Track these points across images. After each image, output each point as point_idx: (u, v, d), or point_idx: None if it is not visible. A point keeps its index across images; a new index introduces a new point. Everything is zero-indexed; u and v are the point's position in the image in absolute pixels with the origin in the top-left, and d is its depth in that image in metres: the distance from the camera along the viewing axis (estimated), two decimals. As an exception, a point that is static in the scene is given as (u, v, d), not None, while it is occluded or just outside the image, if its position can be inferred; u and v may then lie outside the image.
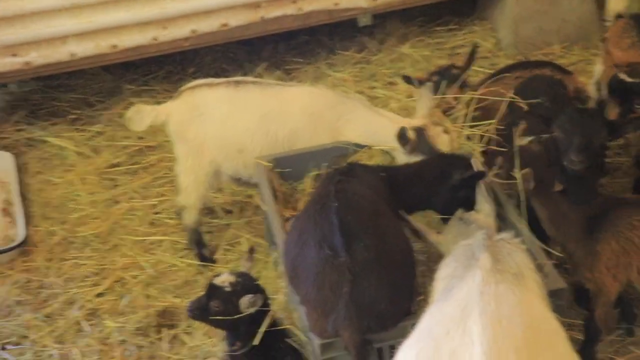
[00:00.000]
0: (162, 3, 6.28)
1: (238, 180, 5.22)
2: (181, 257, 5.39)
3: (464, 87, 5.48)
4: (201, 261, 5.31)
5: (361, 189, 4.04)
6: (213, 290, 4.28)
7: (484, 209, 4.23)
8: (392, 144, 4.83)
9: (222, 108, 5.03)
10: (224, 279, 4.29)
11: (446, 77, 5.49)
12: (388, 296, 3.74)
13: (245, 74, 6.89)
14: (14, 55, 6.19)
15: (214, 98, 5.06)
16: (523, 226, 4.30)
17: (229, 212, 5.69)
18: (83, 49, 6.29)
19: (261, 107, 5.02)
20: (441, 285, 3.36)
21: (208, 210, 5.70)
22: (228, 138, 5.03)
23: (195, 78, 6.77)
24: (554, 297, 3.83)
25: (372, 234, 3.81)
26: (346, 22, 6.89)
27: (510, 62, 6.40)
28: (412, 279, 3.92)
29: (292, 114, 5.00)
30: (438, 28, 7.21)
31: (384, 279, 3.74)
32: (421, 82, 5.42)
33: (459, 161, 4.44)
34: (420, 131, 4.77)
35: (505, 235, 3.42)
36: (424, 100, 5.06)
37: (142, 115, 5.13)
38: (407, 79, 5.44)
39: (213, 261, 5.32)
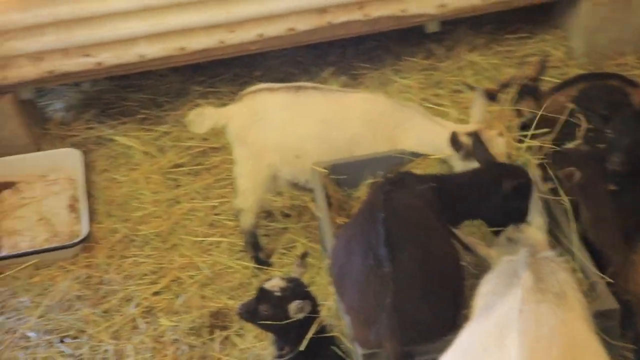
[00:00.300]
0: (229, 7, 6.34)
1: (295, 185, 5.25)
2: (237, 259, 5.44)
3: (538, 97, 5.41)
4: (257, 264, 5.36)
5: (410, 200, 4.02)
6: (263, 294, 4.33)
7: (536, 222, 4.16)
8: (448, 152, 4.80)
9: (282, 113, 5.07)
10: (274, 284, 4.34)
11: (516, 88, 5.43)
12: (432, 308, 3.72)
13: (311, 79, 6.93)
14: (87, 55, 6.34)
15: (274, 103, 5.10)
16: (575, 242, 4.22)
17: (287, 216, 5.72)
18: (152, 50, 6.41)
19: (321, 113, 5.04)
20: (482, 301, 3.33)
21: (266, 214, 5.75)
22: (287, 143, 5.07)
23: (261, 81, 6.82)
24: (605, 318, 3.77)
25: (417, 245, 3.80)
26: (414, 28, 6.86)
27: (580, 72, 6.28)
28: (458, 293, 3.89)
29: (351, 121, 5.01)
30: (508, 36, 7.10)
31: (428, 291, 3.72)
32: (490, 95, 5.34)
33: (512, 170, 4.38)
34: (474, 135, 4.72)
35: (549, 253, 3.38)
36: (477, 106, 5.01)
37: (203, 117, 5.20)
38: (471, 88, 5.38)
39: (269, 264, 5.36)
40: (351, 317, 3.89)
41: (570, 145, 4.55)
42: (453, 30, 7.12)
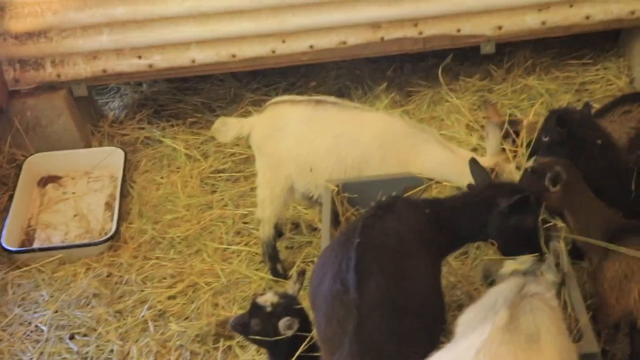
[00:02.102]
0: (283, 17, 6.35)
1: (310, 199, 5.22)
2: (256, 270, 5.43)
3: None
4: (273, 276, 5.34)
5: (394, 227, 3.90)
6: (255, 308, 4.31)
7: (549, 278, 3.93)
8: (459, 182, 4.67)
9: (300, 126, 5.07)
10: (267, 299, 4.31)
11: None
12: (397, 341, 3.59)
13: (365, 93, 6.89)
14: (139, 57, 6.46)
15: (294, 115, 5.11)
16: (568, 269, 4.03)
17: (314, 229, 5.67)
18: (204, 55, 6.47)
19: (335, 128, 5.02)
20: (457, 330, 3.23)
21: (294, 226, 5.73)
22: (302, 156, 5.07)
23: (317, 93, 6.89)
24: (587, 361, 3.61)
25: (387, 275, 3.68)
26: (475, 48, 6.71)
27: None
28: (431, 327, 3.75)
29: (363, 139, 4.97)
30: (571, 61, 6.88)
31: (394, 323, 3.60)
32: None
33: (506, 188, 4.23)
34: (471, 160, 4.57)
35: (538, 289, 3.21)
36: (492, 138, 4.87)
37: (228, 127, 5.25)
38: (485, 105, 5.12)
39: (285, 277, 5.32)
40: (320, 341, 3.81)
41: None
42: (514, 52, 6.93)
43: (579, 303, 3.90)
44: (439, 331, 3.79)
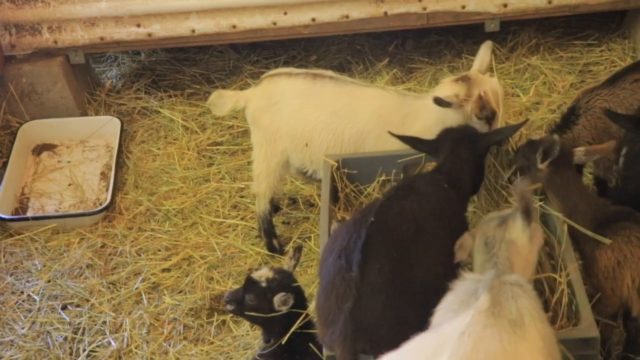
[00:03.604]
0: (284, -12, 6.26)
1: (304, 174, 5.15)
2: (252, 245, 5.37)
3: None
4: (269, 251, 5.28)
5: (412, 210, 3.84)
6: (249, 283, 4.27)
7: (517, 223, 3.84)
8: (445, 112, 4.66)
9: (296, 99, 4.99)
10: (262, 274, 4.27)
11: None
12: (392, 325, 3.53)
13: (366, 68, 6.80)
14: (138, 25, 6.35)
15: (290, 88, 5.01)
16: (570, 255, 3.99)
17: (312, 205, 5.60)
18: (204, 26, 6.36)
19: (332, 103, 4.93)
20: (436, 316, 3.16)
21: (291, 201, 5.66)
22: (297, 130, 4.99)
23: (317, 66, 6.81)
24: (585, 346, 3.57)
25: (395, 260, 3.61)
26: (479, 26, 6.62)
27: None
28: (430, 315, 3.67)
29: (361, 116, 4.89)
30: (576, 42, 6.78)
31: (392, 306, 3.54)
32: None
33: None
34: (465, 78, 4.65)
35: (517, 278, 3.16)
36: (481, 56, 4.91)
37: (224, 100, 5.16)
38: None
39: (281, 252, 5.27)
40: (317, 313, 3.77)
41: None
42: (518, 31, 6.83)
43: (579, 287, 3.85)
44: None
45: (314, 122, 4.93)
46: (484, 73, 4.83)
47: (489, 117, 4.64)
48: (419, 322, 3.47)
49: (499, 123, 4.66)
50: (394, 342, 3.43)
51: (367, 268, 3.56)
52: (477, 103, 4.61)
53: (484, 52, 4.92)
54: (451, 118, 4.66)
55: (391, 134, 4.46)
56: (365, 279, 3.55)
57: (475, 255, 3.66)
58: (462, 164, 4.18)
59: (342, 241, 3.74)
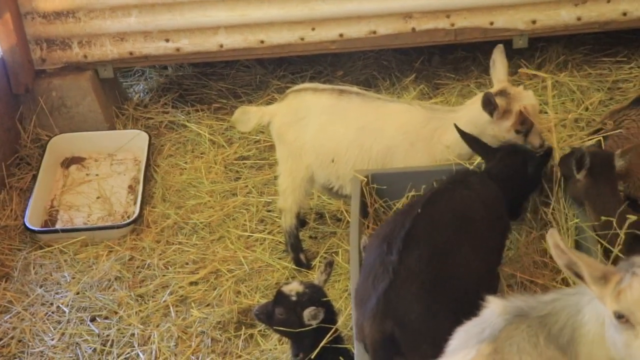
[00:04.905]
0: (313, 4, 6.29)
1: (330, 190, 5.16)
2: (279, 259, 5.37)
3: None
4: (296, 265, 5.28)
5: (460, 204, 3.95)
6: (280, 297, 4.26)
7: None
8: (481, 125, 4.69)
9: (323, 115, 4.99)
10: (292, 288, 4.27)
11: None
12: (422, 313, 3.57)
13: (392, 84, 6.81)
14: (167, 40, 6.41)
15: (316, 104, 5.02)
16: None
17: (338, 220, 5.61)
18: (232, 41, 6.42)
19: (359, 119, 4.93)
20: (454, 338, 3.15)
21: (318, 215, 5.67)
22: (323, 146, 5.00)
23: (344, 82, 6.84)
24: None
25: (435, 251, 3.69)
26: (507, 42, 6.60)
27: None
28: (462, 310, 3.67)
29: (388, 131, 4.89)
30: (604, 59, 6.77)
31: (424, 296, 3.59)
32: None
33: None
34: (503, 92, 4.64)
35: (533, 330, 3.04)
36: (498, 64, 4.88)
37: (248, 116, 5.17)
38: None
39: (308, 267, 5.27)
40: (353, 295, 3.84)
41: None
42: (546, 47, 6.83)
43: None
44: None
45: (341, 138, 4.94)
46: (505, 79, 4.82)
47: (528, 131, 4.64)
48: (449, 319, 3.45)
49: (537, 136, 4.67)
50: (422, 332, 3.52)
51: (407, 255, 3.65)
52: (517, 118, 4.60)
53: (499, 57, 4.89)
54: (483, 131, 4.66)
55: (457, 127, 4.54)
56: (403, 264, 3.62)
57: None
58: (511, 171, 4.32)
59: (387, 229, 3.85)
